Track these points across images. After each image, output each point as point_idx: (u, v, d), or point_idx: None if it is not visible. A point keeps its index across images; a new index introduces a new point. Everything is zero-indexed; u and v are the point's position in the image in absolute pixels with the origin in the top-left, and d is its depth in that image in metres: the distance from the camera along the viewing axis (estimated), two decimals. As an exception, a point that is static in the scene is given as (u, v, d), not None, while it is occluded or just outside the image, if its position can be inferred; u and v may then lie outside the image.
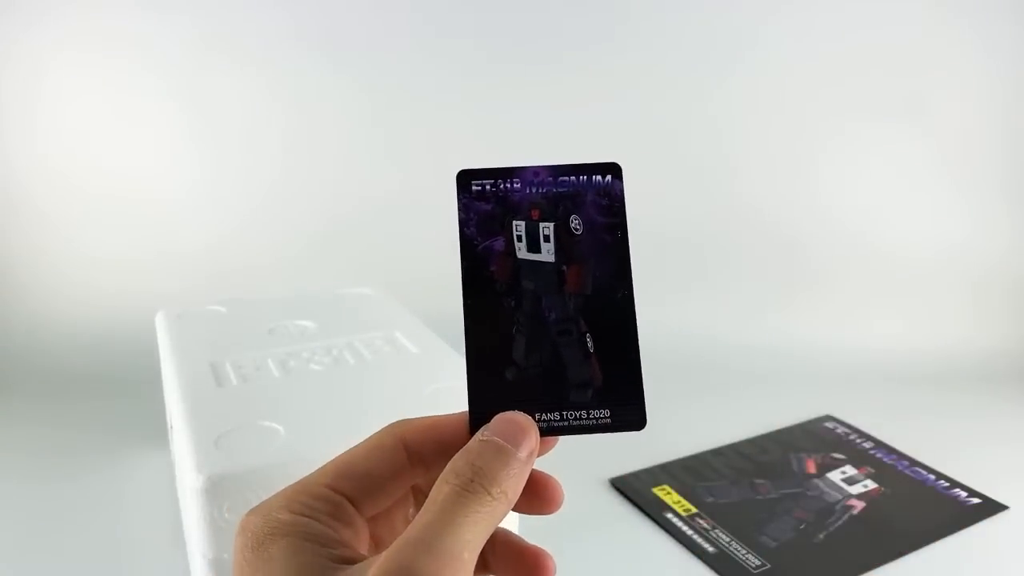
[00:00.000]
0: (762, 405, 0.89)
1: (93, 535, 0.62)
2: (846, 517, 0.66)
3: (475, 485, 0.24)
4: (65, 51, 1.06)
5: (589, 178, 0.29)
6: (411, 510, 0.30)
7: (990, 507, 0.68)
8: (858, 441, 0.81)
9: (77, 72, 1.07)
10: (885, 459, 0.77)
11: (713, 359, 1.03)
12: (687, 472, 0.74)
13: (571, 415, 0.28)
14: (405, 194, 1.17)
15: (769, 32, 1.13)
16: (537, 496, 0.28)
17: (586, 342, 0.28)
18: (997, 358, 1.04)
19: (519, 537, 0.29)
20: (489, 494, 0.24)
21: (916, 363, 1.03)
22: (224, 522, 0.41)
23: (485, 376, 0.28)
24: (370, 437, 0.28)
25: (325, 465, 0.27)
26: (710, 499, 0.69)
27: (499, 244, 0.29)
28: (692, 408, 0.88)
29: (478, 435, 0.26)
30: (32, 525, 0.64)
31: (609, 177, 0.29)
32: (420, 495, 0.30)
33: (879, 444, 0.80)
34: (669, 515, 0.66)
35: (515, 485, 0.25)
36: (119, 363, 0.94)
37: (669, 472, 0.73)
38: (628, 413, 0.28)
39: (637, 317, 0.28)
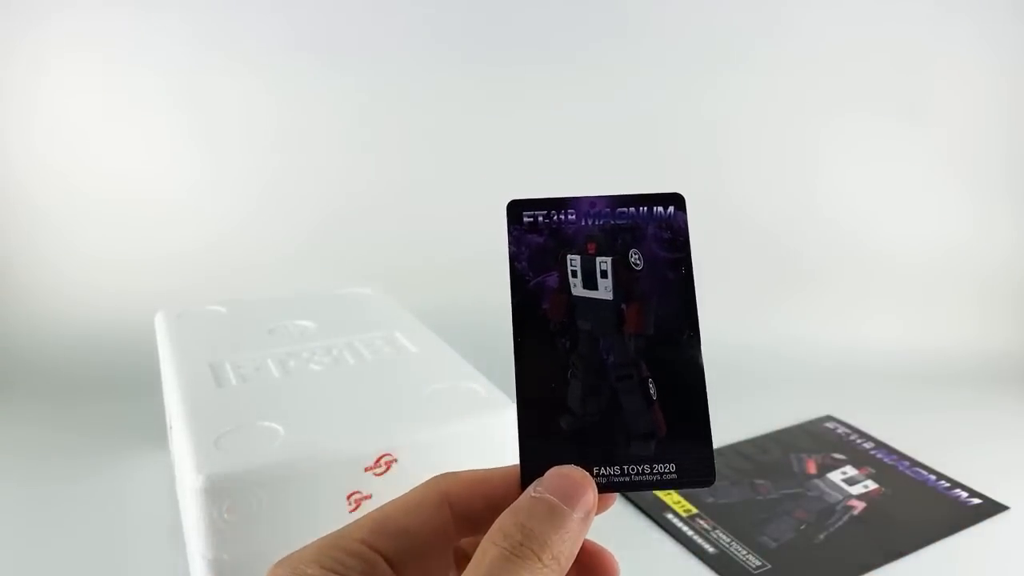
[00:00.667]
0: (762, 405, 0.89)
1: (93, 535, 0.62)
2: (847, 517, 0.66)
3: (524, 549, 0.21)
4: (64, 51, 1.06)
5: (650, 209, 0.27)
6: (452, 575, 0.27)
7: (991, 507, 0.68)
8: (858, 441, 0.81)
9: (76, 72, 1.07)
10: (886, 459, 0.77)
11: (713, 359, 1.02)
12: (687, 472, 0.73)
13: (632, 469, 0.25)
14: (406, 194, 1.17)
15: (765, 29, 1.13)
16: (589, 571, 0.25)
17: (648, 388, 0.26)
18: (999, 358, 1.04)
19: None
20: (540, 560, 0.21)
21: (917, 363, 1.03)
22: (224, 522, 0.41)
23: (537, 425, 0.25)
24: (412, 490, 0.26)
25: (361, 518, 0.25)
26: (710, 499, 0.69)
27: (552, 280, 0.27)
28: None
29: (529, 491, 0.23)
30: (31, 525, 0.64)
31: (672, 208, 0.27)
32: (463, 559, 0.27)
33: (880, 444, 0.80)
34: (669, 515, 0.66)
35: (569, 550, 0.22)
36: (119, 363, 0.94)
37: (669, 472, 0.73)
38: (695, 467, 0.25)
39: (704, 362, 0.26)
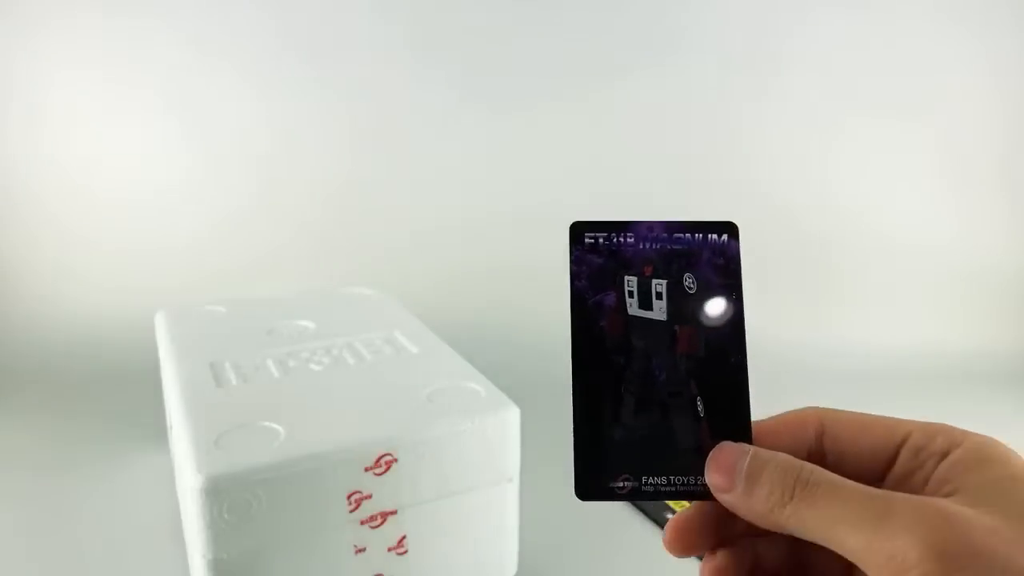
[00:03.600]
0: (762, 405, 0.88)
1: (93, 535, 0.62)
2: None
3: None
4: (65, 51, 1.06)
5: (705, 236, 0.29)
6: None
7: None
8: (858, 441, 0.81)
9: (78, 75, 1.07)
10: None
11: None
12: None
13: (678, 480, 0.27)
14: (407, 194, 1.17)
15: (769, 32, 1.13)
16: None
17: (696, 406, 0.27)
18: (998, 358, 1.04)
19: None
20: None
21: (917, 363, 1.03)
22: (223, 522, 0.41)
23: (592, 436, 0.27)
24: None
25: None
26: (710, 499, 0.68)
27: (610, 299, 0.28)
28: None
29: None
30: (32, 525, 0.64)
31: (725, 236, 0.29)
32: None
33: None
34: (669, 515, 0.66)
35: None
36: (119, 362, 0.94)
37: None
38: None
39: (750, 384, 0.28)
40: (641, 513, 0.67)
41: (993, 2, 1.09)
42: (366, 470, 0.45)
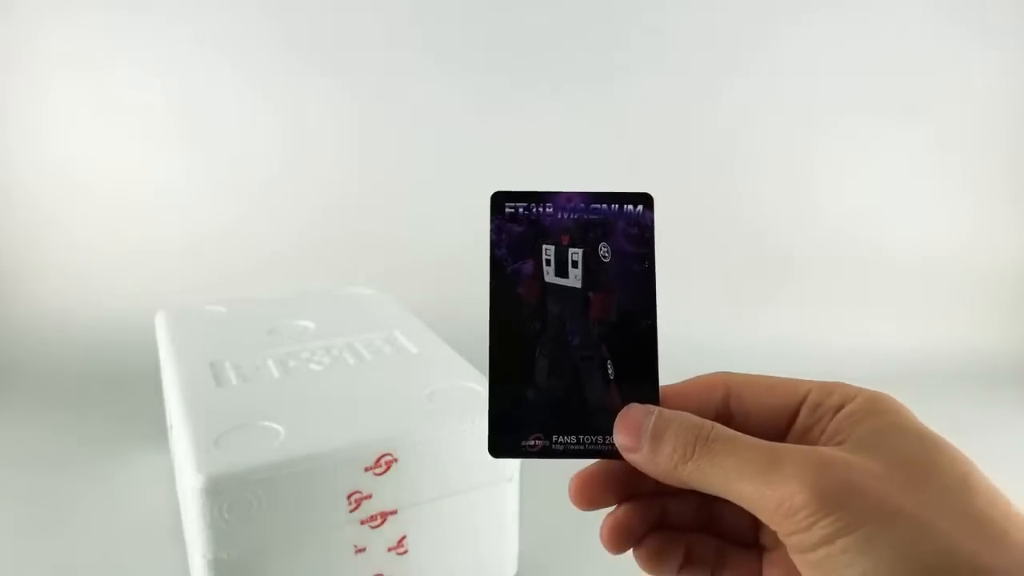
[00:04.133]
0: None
1: (94, 535, 0.62)
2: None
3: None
4: (66, 54, 1.06)
5: (621, 207, 0.29)
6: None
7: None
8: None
9: (78, 75, 1.07)
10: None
11: (708, 359, 1.03)
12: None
13: (587, 440, 0.28)
14: (407, 194, 1.17)
15: (768, 32, 1.13)
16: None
17: (607, 368, 0.28)
18: (997, 358, 1.04)
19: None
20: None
21: (912, 363, 1.03)
22: (223, 522, 0.41)
23: (507, 397, 0.28)
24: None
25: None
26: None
27: (528, 267, 0.29)
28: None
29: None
30: (32, 524, 0.64)
31: (641, 207, 0.29)
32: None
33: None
34: (669, 515, 0.66)
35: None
36: (120, 363, 0.94)
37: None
38: None
39: (659, 348, 0.29)
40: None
41: (994, 1, 1.09)
42: (366, 470, 0.45)
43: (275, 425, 0.47)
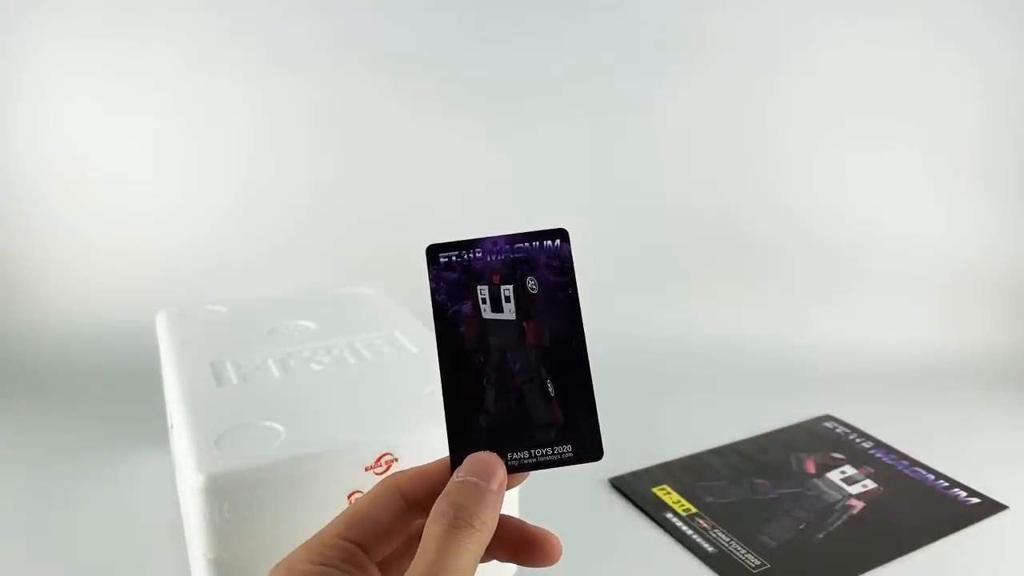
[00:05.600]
0: (762, 405, 0.89)
1: (94, 534, 0.62)
2: (845, 517, 0.66)
3: (460, 521, 0.27)
4: (68, 53, 1.06)
5: (541, 243, 0.32)
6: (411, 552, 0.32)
7: (989, 507, 0.68)
8: (858, 441, 0.81)
9: (79, 75, 1.07)
10: (885, 459, 0.77)
11: (712, 358, 1.03)
12: (687, 472, 0.74)
13: (538, 452, 0.31)
14: (407, 194, 1.17)
15: (765, 32, 1.13)
16: (537, 549, 0.32)
17: (547, 388, 0.32)
18: (999, 357, 1.04)
19: (523, 522, 0.32)
20: (472, 526, 0.27)
21: (915, 363, 1.03)
22: (224, 522, 0.41)
23: (461, 424, 0.32)
24: (371, 489, 0.32)
25: (335, 519, 0.30)
26: (710, 499, 0.69)
27: (467, 308, 0.32)
28: (692, 407, 0.89)
29: (454, 477, 0.30)
30: (32, 524, 0.64)
31: (558, 241, 0.32)
32: (416, 538, 0.32)
33: (879, 444, 0.80)
34: (669, 515, 0.66)
35: (492, 514, 0.29)
36: (121, 363, 0.94)
37: (669, 472, 0.74)
38: (587, 447, 0.31)
39: (590, 362, 0.32)
40: (643, 514, 0.67)
41: (979, 2, 1.09)
42: (367, 470, 0.45)
43: (276, 425, 0.47)
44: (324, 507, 0.44)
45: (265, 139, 1.14)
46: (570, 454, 0.31)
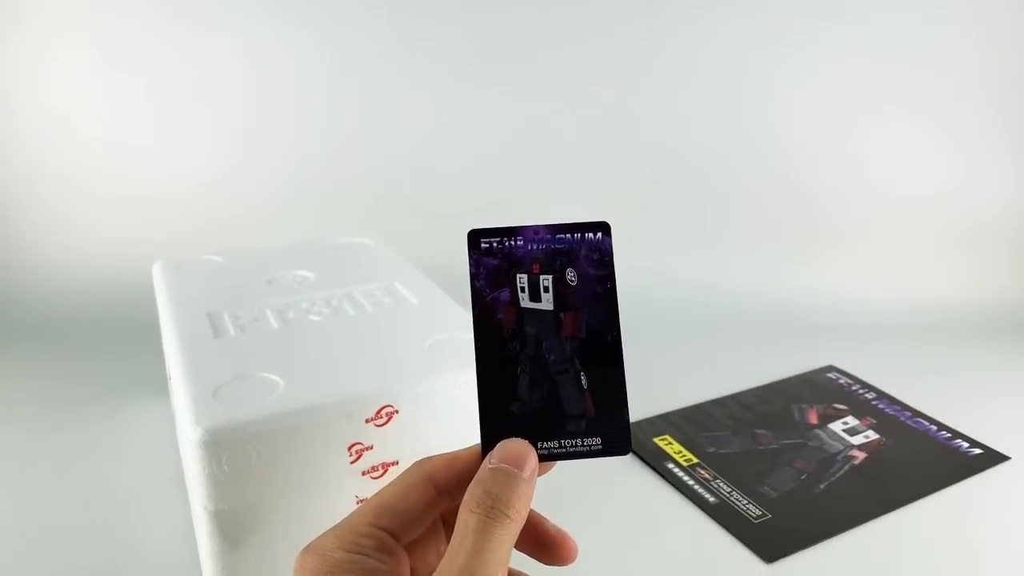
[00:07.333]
0: (764, 355, 0.89)
1: (95, 486, 0.62)
2: (847, 467, 0.66)
3: (495, 511, 0.28)
4: (63, 7, 1.03)
5: (582, 235, 0.33)
6: (443, 542, 0.33)
7: (992, 457, 0.68)
8: (860, 392, 0.81)
9: (76, 25, 1.05)
10: (887, 410, 0.77)
11: (715, 309, 1.03)
12: (688, 422, 0.74)
13: (567, 443, 0.32)
14: (407, 144, 1.15)
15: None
16: (553, 550, 0.33)
17: (580, 380, 0.32)
18: (1000, 308, 1.04)
19: (543, 518, 0.33)
20: (507, 516, 0.28)
21: (918, 314, 1.02)
22: (223, 474, 0.41)
23: (494, 411, 0.32)
24: (401, 475, 0.32)
25: (364, 505, 0.31)
26: (711, 449, 0.69)
27: (505, 295, 0.32)
28: (694, 358, 0.88)
29: (486, 463, 0.30)
30: (33, 476, 0.64)
31: (600, 234, 0.33)
32: (447, 525, 0.34)
33: (881, 395, 0.80)
34: (670, 465, 0.66)
35: (525, 502, 0.29)
36: (119, 312, 0.94)
37: (670, 422, 0.73)
38: (616, 441, 0.32)
39: (624, 357, 0.32)
40: (644, 464, 0.67)
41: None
42: (367, 421, 0.45)
43: (274, 377, 0.46)
44: (324, 459, 0.44)
45: (263, 90, 1.12)
46: (599, 446, 0.32)
